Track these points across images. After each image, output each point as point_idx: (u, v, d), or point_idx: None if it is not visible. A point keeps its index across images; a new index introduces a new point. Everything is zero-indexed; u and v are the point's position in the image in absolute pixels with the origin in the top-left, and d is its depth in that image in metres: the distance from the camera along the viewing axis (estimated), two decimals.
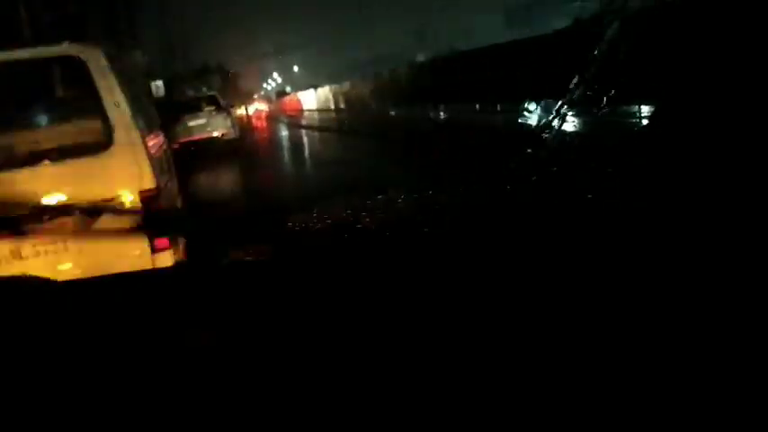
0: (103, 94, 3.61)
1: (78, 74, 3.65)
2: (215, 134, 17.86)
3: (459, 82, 18.41)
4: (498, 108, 14.66)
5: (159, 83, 7.77)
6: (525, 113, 10.59)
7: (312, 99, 41.25)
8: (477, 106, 16.40)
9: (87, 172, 3.57)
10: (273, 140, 22.84)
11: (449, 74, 19.64)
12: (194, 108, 18.23)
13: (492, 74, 15.75)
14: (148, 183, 3.60)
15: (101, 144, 3.59)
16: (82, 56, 3.65)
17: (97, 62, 3.66)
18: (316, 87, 41.62)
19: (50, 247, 3.47)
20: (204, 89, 29.83)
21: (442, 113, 18.73)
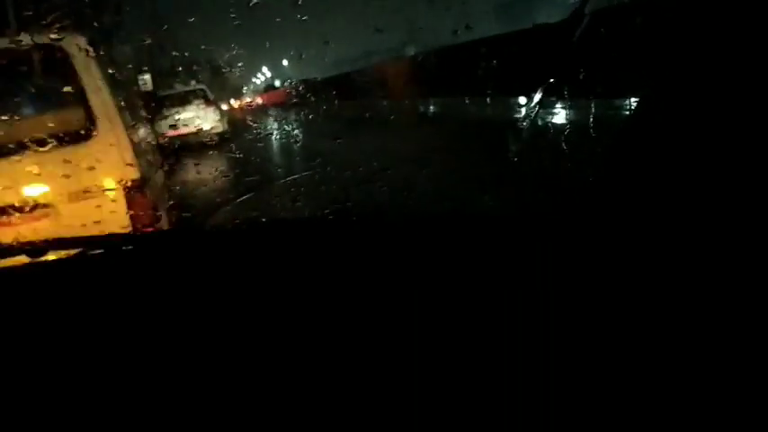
0: (86, 84, 3.56)
1: (61, 63, 3.59)
2: (203, 127, 17.78)
3: (448, 76, 18.41)
4: (488, 101, 14.68)
5: (147, 76, 7.71)
6: (516, 107, 10.60)
7: (301, 92, 41.09)
8: (467, 100, 16.42)
9: (69, 162, 3.51)
10: (261, 132, 22.78)
11: (438, 68, 19.63)
12: (182, 101, 18.16)
13: (482, 67, 15.77)
14: (132, 174, 3.55)
15: (83, 134, 3.54)
16: (65, 45, 3.59)
17: (80, 52, 3.61)
18: (303, 82, 41.58)
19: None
20: (193, 82, 29.77)
21: (432, 107, 18.73)
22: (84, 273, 1.23)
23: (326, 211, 1.57)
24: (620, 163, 1.03)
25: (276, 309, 1.05)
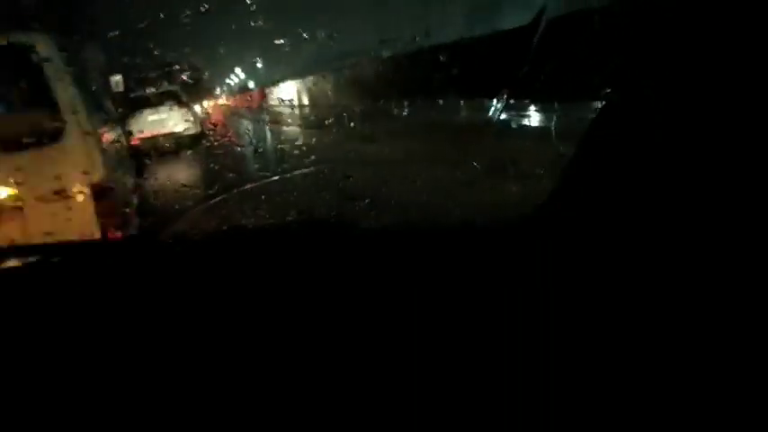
0: (54, 85, 3.52)
1: (29, 64, 3.55)
2: (176, 129, 17.57)
3: (423, 77, 18.41)
4: (461, 104, 14.73)
5: (119, 77, 7.59)
6: (489, 109, 10.66)
7: (276, 94, 40.86)
8: (441, 102, 16.45)
9: (37, 164, 3.47)
10: (234, 134, 22.62)
11: (413, 69, 19.61)
12: (155, 103, 17.95)
13: (456, 69, 15.80)
14: (100, 176, 3.52)
15: (51, 136, 3.50)
16: (32, 46, 3.55)
17: (48, 53, 3.57)
18: (278, 83, 41.29)
19: None
20: (165, 84, 29.42)
21: (405, 110, 18.75)
22: (45, 280, 1.22)
23: (290, 218, 1.56)
24: (585, 169, 1.04)
25: (240, 321, 1.04)
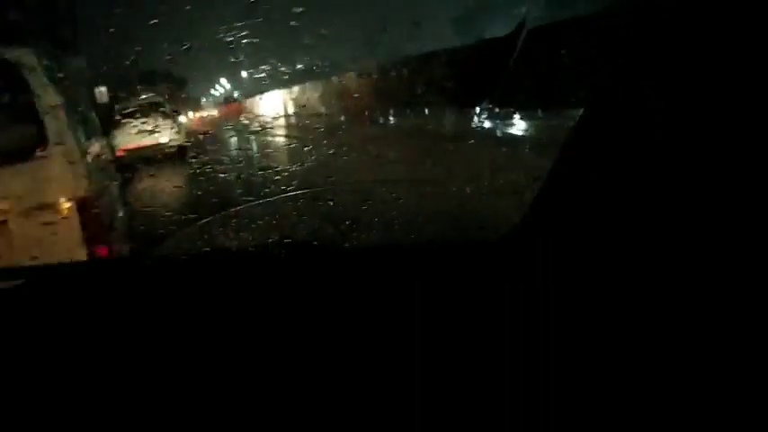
0: (38, 99, 3.51)
1: (12, 78, 3.53)
2: (161, 140, 17.50)
3: (409, 87, 18.44)
4: (446, 112, 14.79)
5: (103, 89, 7.54)
6: (473, 118, 10.69)
7: (261, 104, 40.79)
8: (427, 111, 16.50)
9: (21, 178, 3.45)
10: (219, 146, 22.55)
11: (399, 79, 19.65)
12: (140, 114, 17.86)
13: (442, 78, 15.85)
14: (85, 189, 3.50)
15: (35, 150, 3.48)
16: (15, 59, 3.54)
17: (31, 66, 3.55)
18: (263, 93, 41.26)
19: None
20: (150, 95, 29.28)
21: (391, 118, 18.78)
22: (29, 305, 1.20)
23: (287, 241, 1.55)
24: (566, 178, 1.03)
25: (226, 346, 1.03)
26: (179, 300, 1.16)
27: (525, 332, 0.99)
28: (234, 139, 25.68)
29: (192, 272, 1.30)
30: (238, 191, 10.94)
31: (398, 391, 0.95)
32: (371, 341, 1.02)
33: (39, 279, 1.33)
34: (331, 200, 1.88)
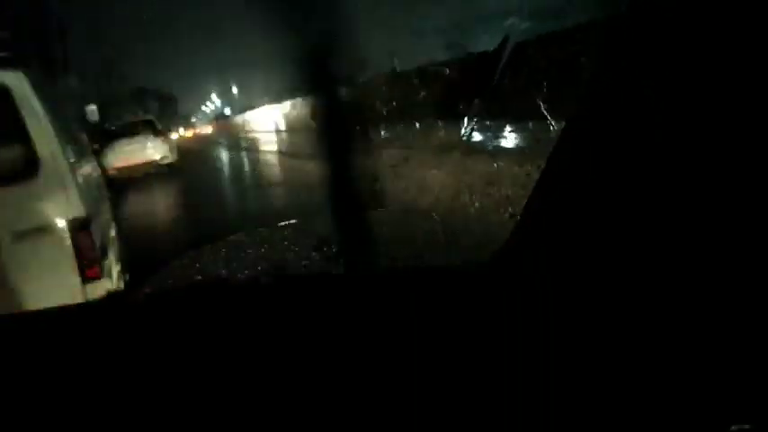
0: (28, 121, 3.49)
1: (1, 100, 3.52)
2: (152, 159, 17.55)
3: (400, 101, 18.53)
4: (437, 125, 14.83)
5: (93, 107, 7.54)
6: (463, 130, 10.73)
7: (252, 121, 40.89)
8: (418, 125, 16.56)
9: (13, 201, 3.44)
10: (212, 164, 22.58)
11: (389, 93, 19.74)
12: (131, 132, 17.89)
13: (432, 93, 15.93)
14: (78, 211, 3.49)
15: (26, 172, 3.46)
16: (4, 81, 3.53)
17: (21, 88, 3.54)
18: (254, 109, 41.36)
19: None
20: (141, 113, 29.35)
21: (382, 132, 18.84)
22: (19, 350, 1.17)
23: (261, 269, 1.55)
24: (559, 183, 1.02)
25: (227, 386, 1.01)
26: (174, 333, 1.15)
27: (522, 350, 0.99)
28: (224, 157, 25.75)
29: (186, 305, 1.29)
30: (229, 211, 10.97)
31: (395, 419, 0.94)
32: (367, 367, 1.02)
33: (30, 325, 1.30)
34: (318, 227, 1.88)
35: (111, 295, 3.47)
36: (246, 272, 1.53)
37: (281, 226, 1.88)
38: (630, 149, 0.84)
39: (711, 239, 0.76)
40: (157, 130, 18.44)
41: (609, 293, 0.92)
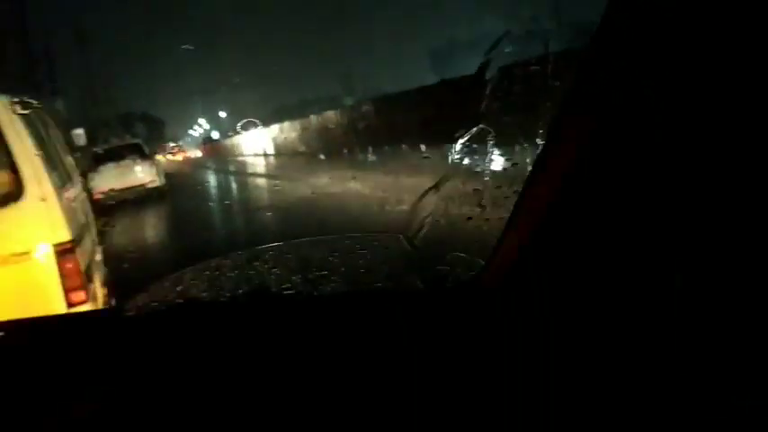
0: (13, 146, 3.48)
1: None
2: (140, 182, 17.47)
3: (386, 124, 18.67)
4: (423, 149, 14.91)
5: (80, 131, 7.50)
6: (451, 154, 10.77)
7: (240, 144, 40.99)
8: (404, 147, 16.65)
9: None
10: (200, 188, 22.53)
11: (376, 116, 19.88)
12: (118, 156, 17.82)
13: (419, 115, 16.06)
14: (63, 235, 3.47)
15: (11, 197, 3.44)
16: None
17: (6, 113, 3.54)
18: (241, 133, 41.51)
19: None
20: (128, 136, 29.29)
21: (369, 156, 18.90)
22: (7, 361, 1.17)
23: (243, 290, 1.56)
24: (553, 186, 1.00)
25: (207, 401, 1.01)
26: (158, 353, 1.15)
27: (500, 370, 0.98)
28: (212, 180, 25.71)
29: (169, 325, 1.28)
30: (215, 233, 10.95)
31: None
32: (350, 390, 1.01)
33: (15, 334, 1.30)
34: (300, 250, 1.89)
35: (99, 310, 3.44)
36: (228, 294, 1.53)
37: (263, 249, 1.89)
38: (630, 149, 0.83)
39: (711, 239, 0.76)
40: (145, 153, 18.38)
41: (600, 301, 0.92)
